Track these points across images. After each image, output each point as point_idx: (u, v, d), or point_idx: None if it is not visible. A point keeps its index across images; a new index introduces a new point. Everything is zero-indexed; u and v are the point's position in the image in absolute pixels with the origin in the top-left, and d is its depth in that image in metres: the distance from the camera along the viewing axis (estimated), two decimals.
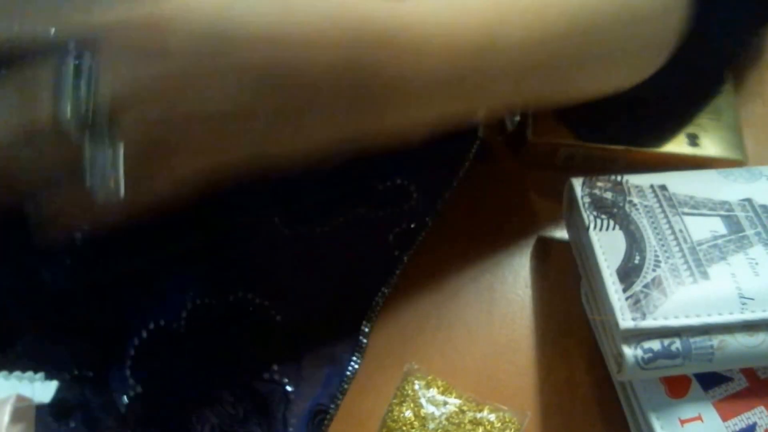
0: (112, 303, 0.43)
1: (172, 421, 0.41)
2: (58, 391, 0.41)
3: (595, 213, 0.40)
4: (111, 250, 0.43)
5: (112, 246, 0.43)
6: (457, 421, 0.41)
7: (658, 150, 0.47)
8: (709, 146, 0.47)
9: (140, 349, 0.40)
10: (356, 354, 0.44)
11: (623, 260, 0.37)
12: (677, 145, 0.47)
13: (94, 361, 0.43)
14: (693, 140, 0.47)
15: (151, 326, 0.40)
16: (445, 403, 0.41)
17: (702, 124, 0.48)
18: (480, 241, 0.48)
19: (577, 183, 0.41)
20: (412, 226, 0.46)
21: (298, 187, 0.41)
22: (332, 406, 0.42)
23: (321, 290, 0.44)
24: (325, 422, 0.42)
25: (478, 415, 0.41)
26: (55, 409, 0.42)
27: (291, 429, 0.42)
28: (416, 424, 0.41)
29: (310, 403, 0.42)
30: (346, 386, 0.43)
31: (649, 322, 0.35)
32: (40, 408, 0.40)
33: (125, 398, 0.40)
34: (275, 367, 0.43)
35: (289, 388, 0.43)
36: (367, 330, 0.45)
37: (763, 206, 0.39)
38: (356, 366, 0.43)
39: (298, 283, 0.44)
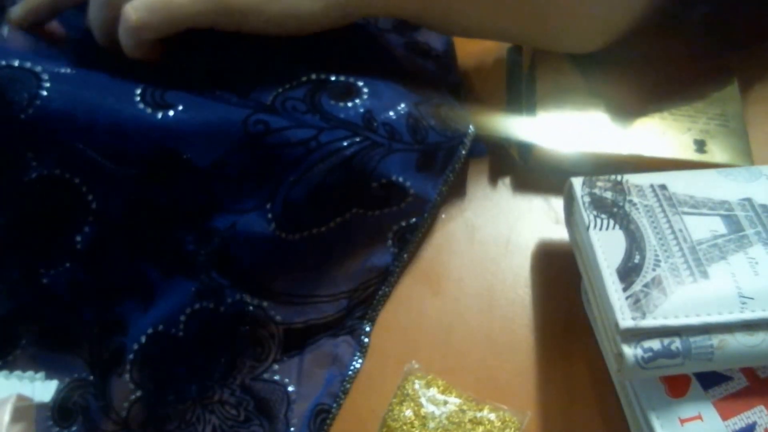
0: (112, 308, 0.43)
1: (173, 423, 0.41)
2: (59, 395, 0.42)
3: (594, 212, 0.40)
4: (110, 255, 0.43)
5: (112, 250, 0.43)
6: (457, 420, 0.41)
7: (664, 156, 0.47)
8: (717, 153, 0.47)
9: (140, 353, 0.40)
10: (358, 354, 0.44)
11: (623, 260, 0.37)
12: (685, 152, 0.47)
13: (94, 365, 0.43)
14: (701, 147, 0.47)
15: (150, 331, 0.40)
16: (446, 403, 0.41)
17: (710, 131, 0.48)
18: (480, 240, 0.48)
19: (577, 182, 0.41)
20: (412, 221, 0.46)
21: (293, 185, 0.41)
22: (334, 405, 0.42)
23: (320, 291, 0.45)
24: (327, 422, 0.42)
25: (479, 415, 0.41)
26: (56, 414, 0.42)
27: (293, 429, 0.42)
28: (416, 423, 0.41)
29: (312, 403, 0.42)
30: (348, 386, 0.43)
31: (649, 322, 0.35)
32: (41, 412, 0.40)
33: (126, 403, 0.40)
34: (276, 368, 0.43)
35: (290, 389, 0.43)
36: (368, 329, 0.45)
37: (763, 205, 0.39)
38: (358, 366, 0.43)
39: (297, 284, 0.44)
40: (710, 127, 0.48)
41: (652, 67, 0.51)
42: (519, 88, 0.51)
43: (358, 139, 0.41)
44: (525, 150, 0.48)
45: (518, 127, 0.48)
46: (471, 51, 0.55)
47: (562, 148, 0.47)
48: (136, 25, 0.39)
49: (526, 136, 0.48)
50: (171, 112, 0.39)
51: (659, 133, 0.48)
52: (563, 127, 0.48)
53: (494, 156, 0.51)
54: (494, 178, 0.50)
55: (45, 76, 0.39)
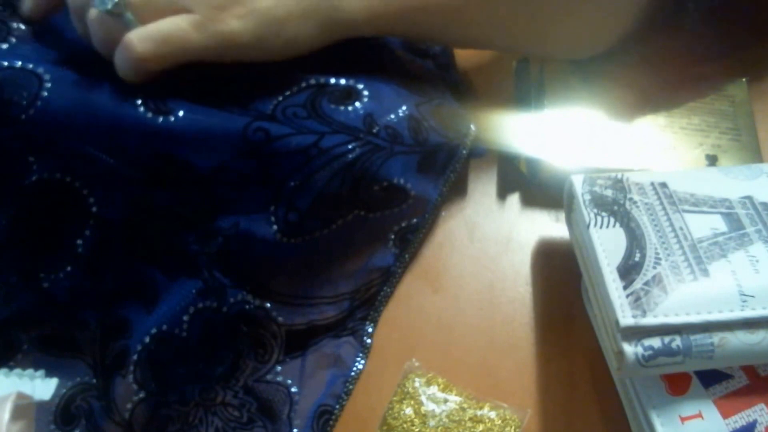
0: (114, 311, 0.43)
1: (176, 425, 0.41)
2: (63, 399, 0.42)
3: (595, 210, 0.40)
4: (112, 258, 0.43)
5: (113, 253, 0.43)
6: (457, 418, 0.41)
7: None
8: None
9: (143, 354, 0.40)
10: (360, 355, 0.44)
11: (623, 258, 0.37)
12: (696, 167, 0.47)
13: (97, 368, 0.43)
14: (713, 162, 0.47)
15: (154, 331, 0.40)
16: (446, 401, 0.41)
17: (721, 146, 0.48)
18: (480, 238, 0.48)
19: (578, 180, 0.41)
20: (413, 222, 0.46)
21: (295, 190, 0.41)
22: (337, 407, 0.42)
23: (322, 292, 0.45)
24: (331, 423, 0.42)
25: (479, 413, 0.41)
26: (59, 417, 0.42)
27: (296, 430, 0.42)
28: (417, 421, 0.41)
29: (315, 404, 0.42)
30: (350, 387, 0.43)
31: (649, 320, 0.35)
32: (43, 415, 0.40)
33: (129, 404, 0.40)
34: (279, 369, 0.43)
35: (293, 390, 0.43)
36: (371, 330, 0.45)
37: (763, 203, 0.39)
38: (360, 367, 0.44)
39: (299, 285, 0.44)
40: (722, 142, 0.48)
41: (659, 73, 0.51)
42: (528, 96, 0.51)
43: (359, 144, 0.41)
44: (533, 166, 0.48)
45: (526, 141, 0.48)
46: (473, 52, 0.55)
47: (571, 163, 0.47)
48: (140, 56, 0.38)
49: (534, 152, 0.47)
50: (172, 118, 0.39)
51: (670, 148, 0.48)
52: (573, 143, 0.47)
53: (494, 155, 0.51)
54: (494, 177, 0.50)
55: (47, 77, 0.39)
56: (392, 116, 0.43)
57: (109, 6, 0.38)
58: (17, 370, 0.35)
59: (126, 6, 0.39)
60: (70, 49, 0.44)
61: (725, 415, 0.37)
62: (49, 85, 0.39)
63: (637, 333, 0.35)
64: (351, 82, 0.44)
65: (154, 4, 0.39)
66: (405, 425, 0.41)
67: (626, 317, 0.35)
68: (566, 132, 0.48)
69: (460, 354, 0.44)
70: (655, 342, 0.35)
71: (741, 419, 0.37)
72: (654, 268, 0.37)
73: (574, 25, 0.46)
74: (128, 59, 0.39)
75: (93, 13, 0.39)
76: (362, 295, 0.45)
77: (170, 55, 0.39)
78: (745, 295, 0.36)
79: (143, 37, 0.38)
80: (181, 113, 0.39)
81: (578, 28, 0.46)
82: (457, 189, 0.49)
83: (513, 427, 0.40)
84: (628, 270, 0.37)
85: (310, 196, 0.41)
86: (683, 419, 0.37)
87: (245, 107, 0.42)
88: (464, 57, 0.54)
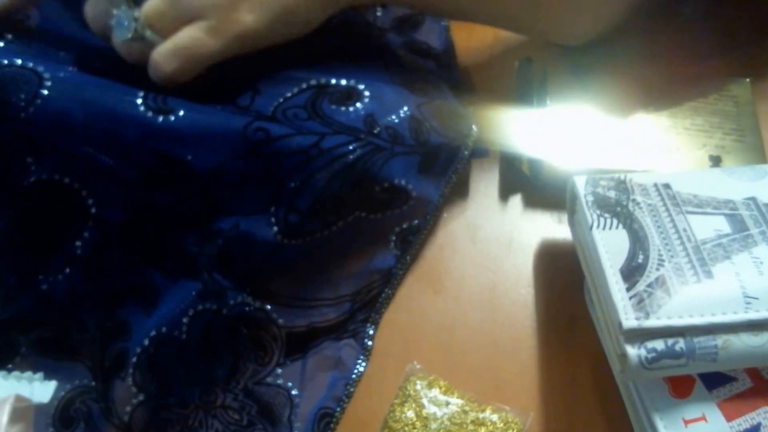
0: (113, 312, 0.43)
1: (176, 428, 0.41)
2: (61, 402, 0.42)
3: (598, 212, 0.39)
4: (111, 259, 0.43)
5: (112, 255, 0.43)
6: (459, 421, 0.40)
7: None
8: None
9: (142, 357, 0.40)
10: (361, 357, 0.44)
11: (626, 259, 0.37)
12: (700, 168, 0.47)
13: (96, 371, 0.43)
14: (716, 163, 0.47)
15: (153, 334, 0.40)
16: (447, 404, 0.41)
17: (725, 146, 0.48)
18: (482, 239, 0.48)
19: (580, 181, 0.41)
20: (414, 223, 0.46)
21: (295, 191, 0.41)
22: (338, 409, 0.42)
23: (323, 294, 0.44)
24: (331, 426, 0.42)
25: (481, 416, 0.41)
26: (58, 420, 0.42)
27: None
28: (418, 424, 0.40)
29: (316, 407, 0.42)
30: (352, 390, 0.43)
31: (652, 322, 0.35)
32: (41, 419, 0.40)
33: (128, 407, 0.40)
34: (279, 371, 0.43)
35: (294, 392, 0.43)
36: (371, 333, 0.44)
37: (767, 205, 0.39)
38: (362, 369, 0.43)
39: (300, 287, 0.44)
40: (726, 143, 0.48)
41: (662, 73, 0.50)
42: (530, 96, 0.51)
43: (360, 144, 0.41)
44: (536, 167, 0.48)
45: (529, 141, 0.48)
46: (473, 49, 0.55)
47: (574, 164, 0.47)
48: (169, 75, 0.41)
49: (537, 153, 0.47)
50: (172, 117, 0.39)
51: (673, 149, 0.48)
52: (575, 144, 0.47)
53: (496, 156, 0.50)
54: (496, 178, 0.50)
55: (47, 75, 0.39)
56: (393, 117, 0.43)
57: (129, 35, 0.41)
58: (16, 373, 0.35)
59: (144, 28, 0.41)
60: (69, 48, 0.44)
61: (729, 418, 0.37)
62: (48, 83, 0.39)
63: (641, 335, 0.35)
64: (352, 82, 0.44)
65: (168, 17, 0.41)
66: (406, 428, 0.40)
67: (629, 319, 0.35)
68: (569, 133, 0.48)
69: (461, 356, 0.44)
70: (659, 344, 0.35)
71: (745, 422, 0.37)
72: (657, 269, 0.37)
73: (572, 3, 0.46)
74: (159, 78, 0.42)
75: (116, 41, 0.42)
76: (363, 297, 0.45)
77: (196, 66, 0.42)
78: (749, 297, 0.35)
79: (167, 57, 0.41)
80: (181, 112, 0.39)
81: (576, 8, 0.46)
82: (459, 190, 0.49)
83: (515, 430, 0.40)
84: (631, 272, 0.37)
85: (311, 197, 0.41)
86: (687, 422, 0.37)
87: (246, 107, 0.42)
88: (466, 57, 0.54)
